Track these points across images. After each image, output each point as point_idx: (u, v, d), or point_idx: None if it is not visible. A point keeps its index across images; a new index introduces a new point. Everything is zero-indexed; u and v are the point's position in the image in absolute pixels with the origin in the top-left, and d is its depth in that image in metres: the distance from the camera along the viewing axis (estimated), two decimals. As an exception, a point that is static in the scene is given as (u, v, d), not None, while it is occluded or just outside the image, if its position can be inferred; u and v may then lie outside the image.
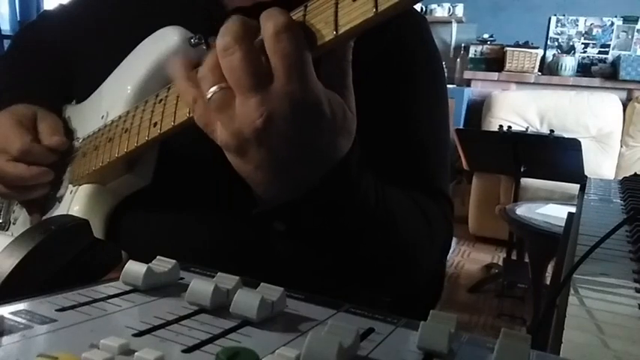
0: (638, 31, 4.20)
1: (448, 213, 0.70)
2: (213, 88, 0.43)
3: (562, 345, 0.38)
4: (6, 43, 3.95)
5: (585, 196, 0.91)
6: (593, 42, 4.31)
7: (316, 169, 0.45)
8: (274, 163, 0.44)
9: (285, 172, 0.45)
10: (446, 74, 0.82)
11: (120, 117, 0.64)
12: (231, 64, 0.41)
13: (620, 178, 1.15)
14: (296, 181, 0.46)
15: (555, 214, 2.31)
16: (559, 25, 4.36)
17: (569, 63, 4.28)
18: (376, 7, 0.38)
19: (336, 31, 0.41)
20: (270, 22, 0.41)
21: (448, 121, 0.79)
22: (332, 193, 0.47)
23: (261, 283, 0.35)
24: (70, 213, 0.66)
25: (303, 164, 0.45)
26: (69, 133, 0.74)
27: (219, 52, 0.42)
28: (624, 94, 4.10)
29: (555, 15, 4.35)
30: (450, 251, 0.75)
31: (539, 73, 4.33)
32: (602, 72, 4.19)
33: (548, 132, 3.26)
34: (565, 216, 0.92)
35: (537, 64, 4.31)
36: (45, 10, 0.95)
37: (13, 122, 0.68)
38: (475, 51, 4.48)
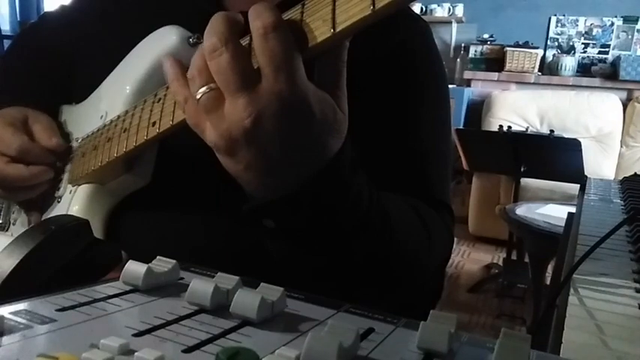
0: (638, 31, 4.20)
1: (449, 223, 0.70)
2: (203, 89, 0.43)
3: (562, 345, 0.38)
4: (6, 43, 3.95)
5: (585, 196, 0.91)
6: (593, 42, 4.31)
7: (306, 168, 0.45)
8: (264, 162, 0.44)
9: (274, 172, 0.45)
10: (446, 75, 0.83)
11: (119, 117, 0.64)
12: (218, 66, 0.41)
13: (620, 178, 1.15)
14: (286, 180, 0.46)
15: (555, 214, 2.30)
16: (559, 25, 4.36)
17: (569, 63, 4.28)
18: (373, 4, 0.38)
19: (334, 29, 0.41)
20: (258, 21, 0.41)
21: (450, 131, 0.78)
22: (321, 192, 0.47)
23: (261, 283, 0.35)
24: (69, 213, 0.66)
25: (293, 164, 0.45)
26: (66, 134, 0.74)
27: (207, 54, 0.42)
28: (624, 94, 4.10)
29: (555, 15, 4.35)
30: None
31: (539, 73, 4.33)
32: (602, 72, 4.19)
33: (548, 132, 3.27)
34: (565, 216, 0.92)
35: (537, 64, 4.31)
36: (46, 12, 0.95)
37: (5, 124, 0.68)
38: (475, 51, 4.48)
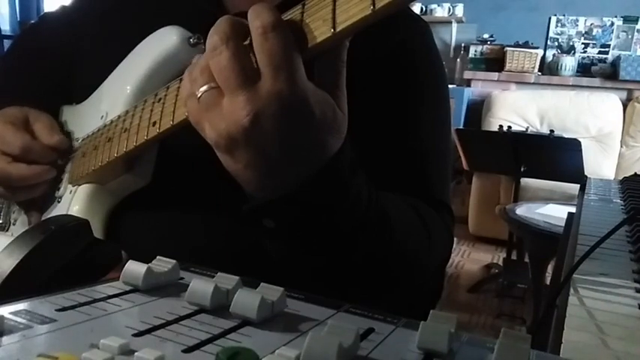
0: (638, 31, 4.20)
1: (449, 223, 0.70)
2: (203, 88, 0.43)
3: (562, 345, 0.38)
4: (6, 43, 3.95)
5: (585, 196, 0.91)
6: (593, 42, 4.31)
7: (305, 168, 0.46)
8: (263, 161, 0.44)
9: (274, 171, 0.45)
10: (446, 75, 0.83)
11: (119, 117, 0.64)
12: (219, 64, 0.42)
13: (620, 178, 1.15)
14: (285, 179, 0.46)
15: (555, 214, 2.30)
16: (559, 25, 4.36)
17: (569, 63, 4.28)
18: (374, 4, 0.38)
19: (334, 29, 0.41)
20: (257, 21, 0.41)
21: (450, 131, 0.78)
22: (320, 192, 0.47)
23: (261, 283, 0.35)
24: (69, 213, 0.66)
25: (292, 163, 0.45)
26: (67, 134, 0.74)
27: (208, 52, 0.43)
28: (624, 94, 4.10)
29: (555, 15, 4.35)
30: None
31: (539, 73, 4.33)
32: (602, 72, 4.19)
33: (548, 132, 3.27)
34: (565, 216, 0.92)
35: (537, 64, 4.31)
36: (46, 12, 0.95)
37: (6, 123, 0.68)
38: (475, 51, 4.48)
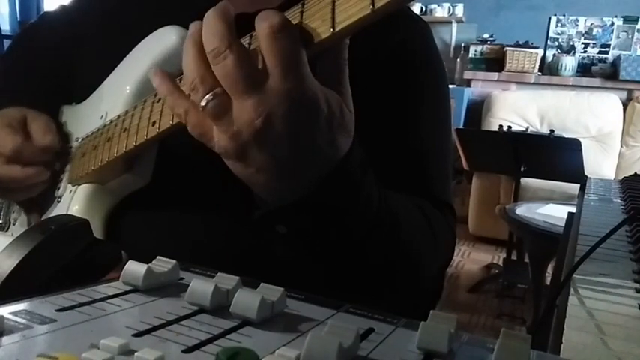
0: (638, 31, 4.20)
1: (452, 224, 0.70)
2: (207, 96, 0.42)
3: (562, 345, 0.38)
4: (6, 43, 3.95)
5: (585, 196, 0.91)
6: (593, 42, 4.31)
7: (317, 169, 0.45)
8: (275, 164, 0.44)
9: (285, 174, 0.45)
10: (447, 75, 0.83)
11: (119, 117, 0.64)
12: (224, 69, 0.41)
13: (620, 178, 1.15)
14: (297, 182, 0.46)
15: (555, 214, 2.30)
16: (559, 25, 4.36)
17: (569, 63, 4.28)
18: (373, 4, 0.38)
19: (334, 29, 0.41)
20: (265, 23, 0.41)
21: (450, 131, 0.79)
22: (333, 194, 0.47)
23: (261, 283, 0.35)
24: (69, 213, 0.66)
25: (304, 165, 0.45)
26: (66, 133, 0.74)
27: (211, 59, 0.42)
28: (624, 94, 4.10)
29: (555, 15, 4.35)
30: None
31: (539, 73, 4.33)
32: (602, 72, 4.19)
33: (548, 132, 3.27)
34: (565, 216, 0.92)
35: (537, 64, 4.32)
36: (46, 12, 0.95)
37: (4, 125, 0.68)
38: (475, 51, 4.48)
